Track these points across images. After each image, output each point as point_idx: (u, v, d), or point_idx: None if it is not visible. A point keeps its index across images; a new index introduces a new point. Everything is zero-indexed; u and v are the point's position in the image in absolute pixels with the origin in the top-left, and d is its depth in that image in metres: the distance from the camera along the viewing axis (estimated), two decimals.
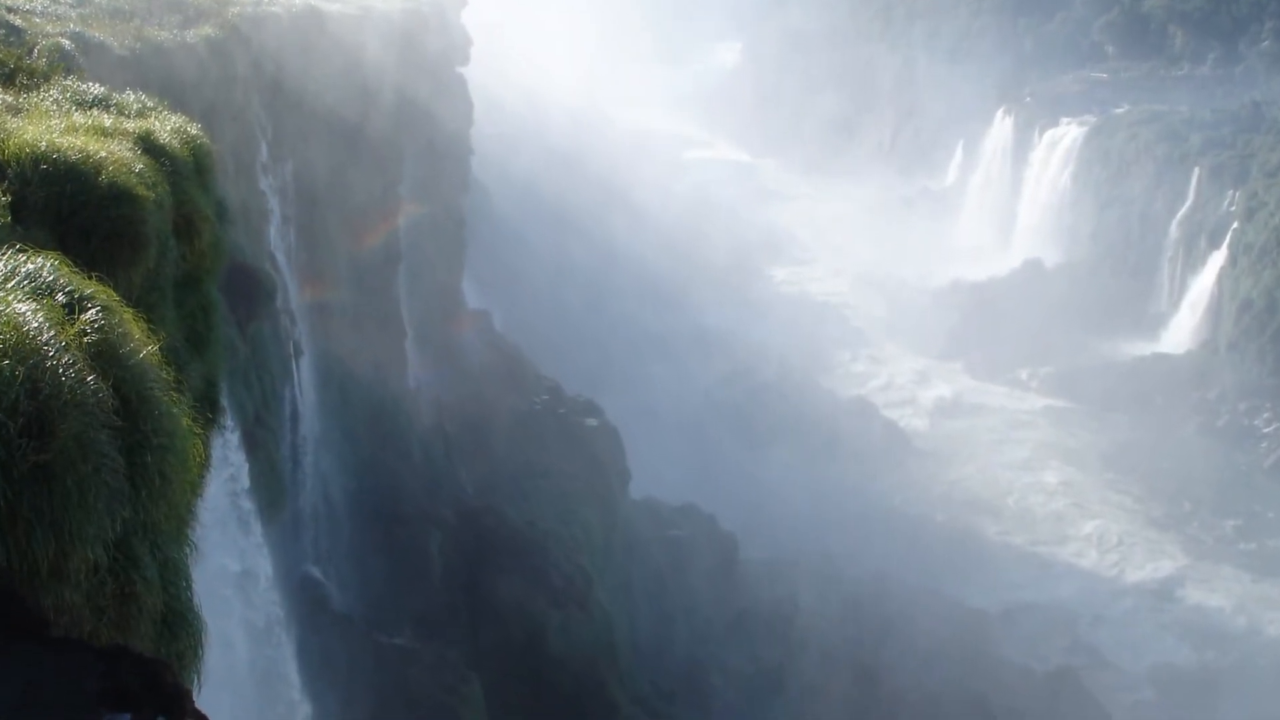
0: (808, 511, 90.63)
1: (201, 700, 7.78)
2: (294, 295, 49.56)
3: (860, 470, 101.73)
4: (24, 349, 7.32)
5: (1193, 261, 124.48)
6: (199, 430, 9.26)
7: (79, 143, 12.19)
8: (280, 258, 47.47)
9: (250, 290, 37.43)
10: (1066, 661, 77.99)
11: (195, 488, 9.63)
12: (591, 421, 78.50)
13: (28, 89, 16.06)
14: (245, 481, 34.03)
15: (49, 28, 24.10)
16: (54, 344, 7.57)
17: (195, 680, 8.93)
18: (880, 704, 70.01)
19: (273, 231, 46.80)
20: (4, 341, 7.25)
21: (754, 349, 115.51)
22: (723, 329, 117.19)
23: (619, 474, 76.42)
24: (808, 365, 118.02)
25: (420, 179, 67.66)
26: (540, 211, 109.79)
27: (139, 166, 12.39)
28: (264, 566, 36.55)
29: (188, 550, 9.38)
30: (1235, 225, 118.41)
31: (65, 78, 17.19)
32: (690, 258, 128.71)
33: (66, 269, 8.59)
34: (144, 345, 8.55)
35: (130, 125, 14.27)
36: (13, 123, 13.19)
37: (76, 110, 14.73)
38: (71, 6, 30.42)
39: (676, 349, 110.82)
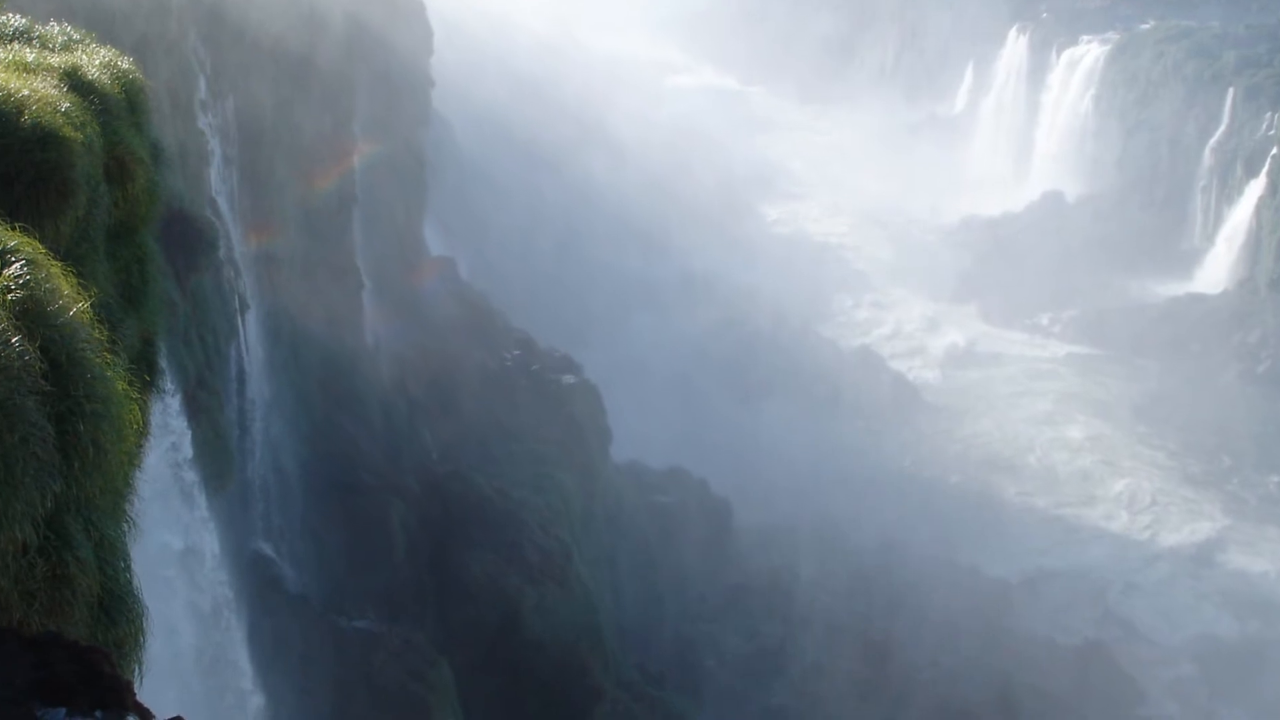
0: (808, 473, 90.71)
1: (143, 691, 7.82)
2: (238, 244, 49.51)
3: (866, 427, 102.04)
4: None
5: (1228, 191, 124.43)
6: (136, 395, 9.26)
7: None
8: (222, 203, 47.40)
9: (190, 239, 37.39)
10: (1096, 634, 78.25)
11: (133, 458, 9.64)
12: (568, 378, 78.50)
13: None
14: (188, 450, 34.09)
15: None
16: None
17: (136, 670, 8.95)
18: (891, 683, 70.22)
19: (213, 175, 46.69)
20: None
21: (746, 295, 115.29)
22: (711, 274, 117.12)
23: (599, 436, 76.49)
24: (805, 312, 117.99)
25: (376, 114, 67.52)
26: (509, 147, 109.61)
27: (65, 105, 12.36)
28: (210, 543, 36.63)
29: (125, 527, 9.40)
30: (1275, 151, 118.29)
31: None
32: (674, 196, 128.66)
33: None
34: (74, 302, 8.55)
35: (55, 60, 14.23)
36: None
37: None
38: None
39: (660, 297, 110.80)
